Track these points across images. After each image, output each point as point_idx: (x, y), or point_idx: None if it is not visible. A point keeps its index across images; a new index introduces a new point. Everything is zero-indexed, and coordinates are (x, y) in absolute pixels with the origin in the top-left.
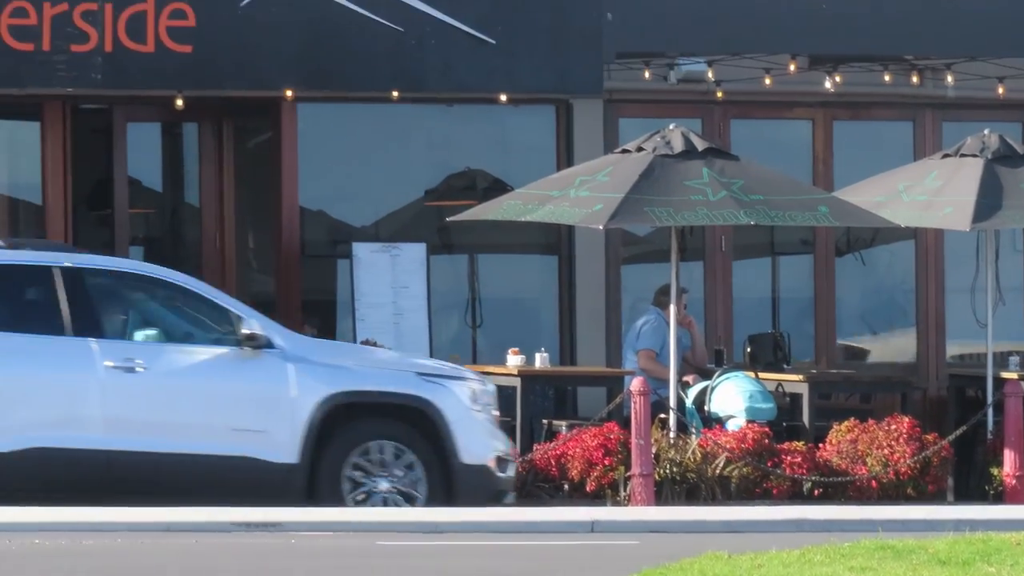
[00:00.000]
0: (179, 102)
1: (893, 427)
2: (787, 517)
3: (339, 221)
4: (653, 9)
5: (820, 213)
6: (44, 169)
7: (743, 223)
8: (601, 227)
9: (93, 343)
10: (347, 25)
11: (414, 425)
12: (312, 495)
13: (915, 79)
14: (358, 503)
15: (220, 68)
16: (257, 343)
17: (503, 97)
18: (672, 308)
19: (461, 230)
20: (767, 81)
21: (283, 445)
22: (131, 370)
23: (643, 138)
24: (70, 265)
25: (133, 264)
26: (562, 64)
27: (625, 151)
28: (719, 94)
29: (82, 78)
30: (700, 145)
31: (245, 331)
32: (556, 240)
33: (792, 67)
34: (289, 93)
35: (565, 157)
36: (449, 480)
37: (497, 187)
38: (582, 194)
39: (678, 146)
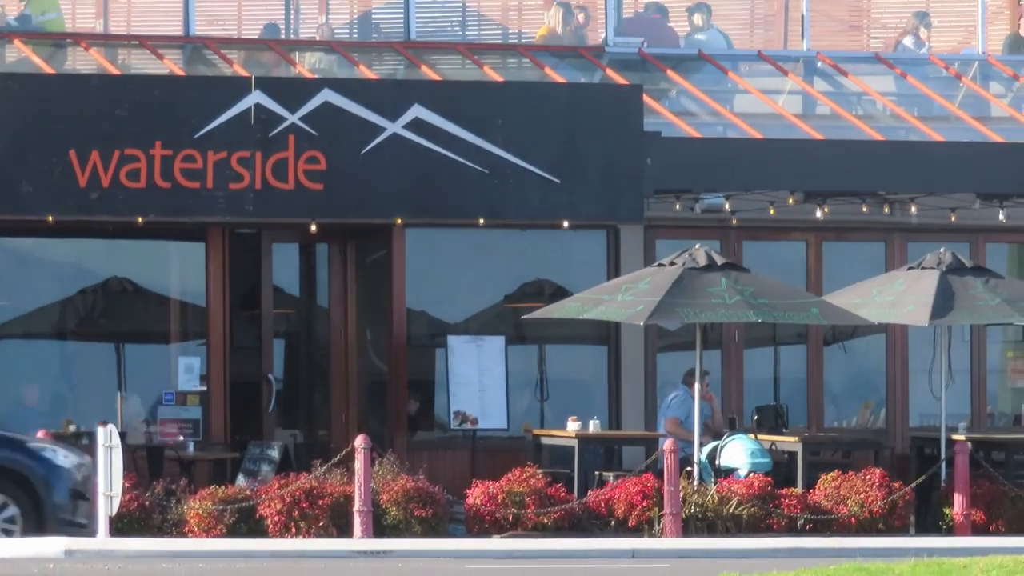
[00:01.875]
0: (313, 227)
1: (868, 477)
2: (785, 546)
3: (437, 319)
4: (682, 156)
5: (812, 313)
6: (208, 279)
7: (752, 320)
8: (642, 323)
9: None
10: (444, 168)
11: None
12: None
13: (886, 209)
14: None
15: (345, 201)
16: None
17: (565, 224)
18: (696, 386)
19: (532, 326)
20: (771, 211)
21: None
22: None
23: (675, 255)
24: None
25: None
26: (611, 198)
27: (661, 265)
28: (734, 221)
29: (237, 209)
30: (719, 260)
31: None
32: (606, 333)
33: (791, 200)
34: (399, 220)
35: (614, 269)
36: None
37: (560, 293)
38: (627, 298)
39: (702, 261)
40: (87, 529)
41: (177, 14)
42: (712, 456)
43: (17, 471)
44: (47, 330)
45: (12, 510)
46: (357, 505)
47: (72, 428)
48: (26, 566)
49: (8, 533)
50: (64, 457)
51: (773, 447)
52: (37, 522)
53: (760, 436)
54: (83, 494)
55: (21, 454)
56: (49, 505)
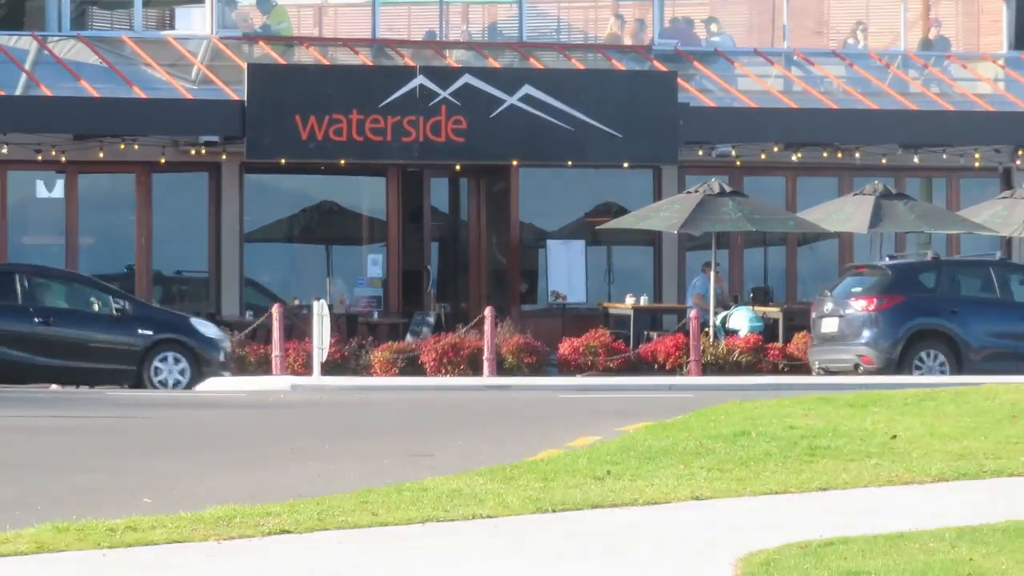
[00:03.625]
0: (457, 167)
1: None
2: (771, 383)
3: (540, 228)
4: (703, 119)
5: (790, 224)
6: (387, 202)
7: (750, 229)
8: (676, 231)
9: None
10: (545, 127)
11: None
12: None
13: (839, 155)
14: None
15: (479, 149)
16: None
17: (625, 164)
18: (711, 273)
19: (603, 233)
20: (762, 156)
21: None
22: None
23: (698, 186)
24: None
25: None
26: (656, 147)
27: (688, 192)
28: (738, 163)
29: (407, 155)
30: (727, 189)
31: None
32: (652, 238)
33: (776, 149)
34: (515, 162)
35: (657, 195)
36: None
37: (621, 211)
38: (666, 214)
39: (716, 190)
40: None
41: (367, 23)
42: (724, 321)
43: None
44: (280, 236)
45: None
46: (486, 354)
47: (296, 302)
48: (264, 396)
49: None
50: None
51: (765, 316)
52: None
53: (756, 307)
54: None
55: None
56: None
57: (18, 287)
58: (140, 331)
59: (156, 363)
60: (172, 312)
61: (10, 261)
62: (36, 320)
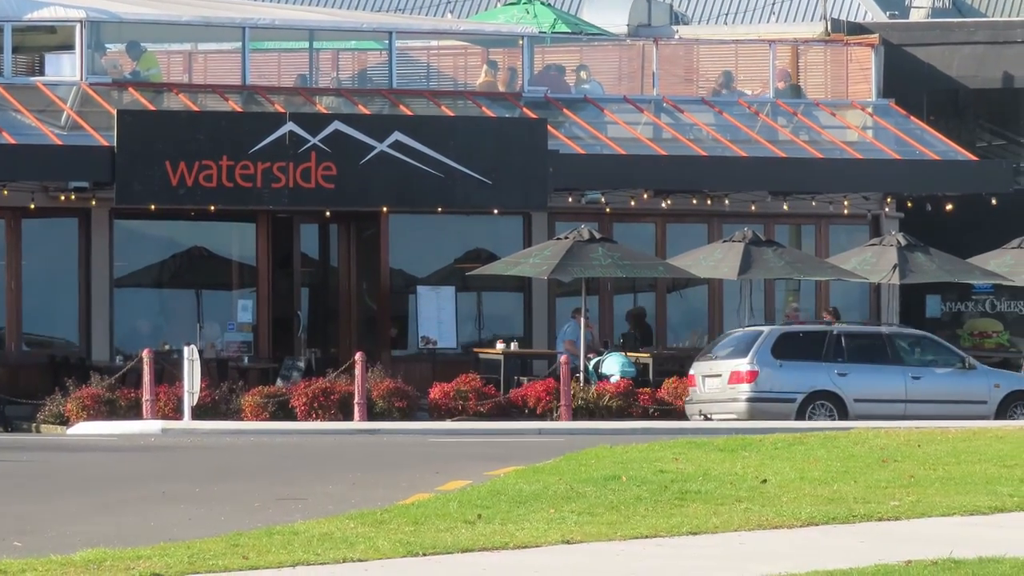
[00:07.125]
0: (327, 213)
1: None
2: (641, 427)
3: (410, 274)
4: (573, 166)
5: (659, 270)
6: (257, 248)
7: (619, 275)
8: (545, 278)
9: None
10: (415, 173)
11: None
12: None
13: (708, 201)
14: None
15: (349, 195)
16: None
17: (495, 211)
18: (581, 319)
19: (473, 279)
20: (632, 203)
21: None
22: None
23: (567, 232)
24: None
25: None
26: (526, 194)
27: (558, 239)
28: (608, 210)
29: (277, 201)
30: (597, 236)
31: None
32: (522, 284)
33: (645, 195)
34: (385, 209)
35: (527, 241)
36: None
37: (492, 257)
38: (536, 261)
39: (586, 236)
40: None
41: (237, 69)
42: (597, 366)
43: None
44: (150, 282)
45: None
46: (356, 399)
47: (166, 347)
48: (134, 439)
49: None
50: None
51: (637, 360)
52: None
53: (628, 353)
54: None
55: None
56: None
57: None
58: None
59: None
60: None
61: None
62: None
